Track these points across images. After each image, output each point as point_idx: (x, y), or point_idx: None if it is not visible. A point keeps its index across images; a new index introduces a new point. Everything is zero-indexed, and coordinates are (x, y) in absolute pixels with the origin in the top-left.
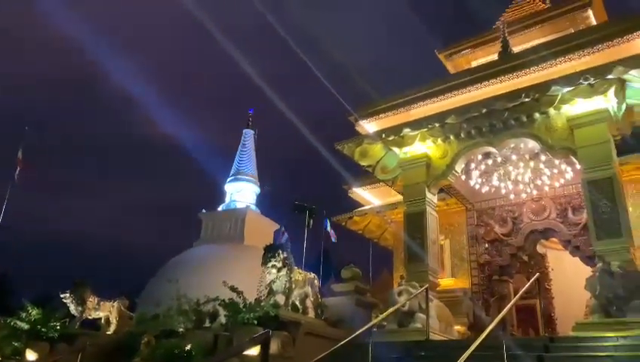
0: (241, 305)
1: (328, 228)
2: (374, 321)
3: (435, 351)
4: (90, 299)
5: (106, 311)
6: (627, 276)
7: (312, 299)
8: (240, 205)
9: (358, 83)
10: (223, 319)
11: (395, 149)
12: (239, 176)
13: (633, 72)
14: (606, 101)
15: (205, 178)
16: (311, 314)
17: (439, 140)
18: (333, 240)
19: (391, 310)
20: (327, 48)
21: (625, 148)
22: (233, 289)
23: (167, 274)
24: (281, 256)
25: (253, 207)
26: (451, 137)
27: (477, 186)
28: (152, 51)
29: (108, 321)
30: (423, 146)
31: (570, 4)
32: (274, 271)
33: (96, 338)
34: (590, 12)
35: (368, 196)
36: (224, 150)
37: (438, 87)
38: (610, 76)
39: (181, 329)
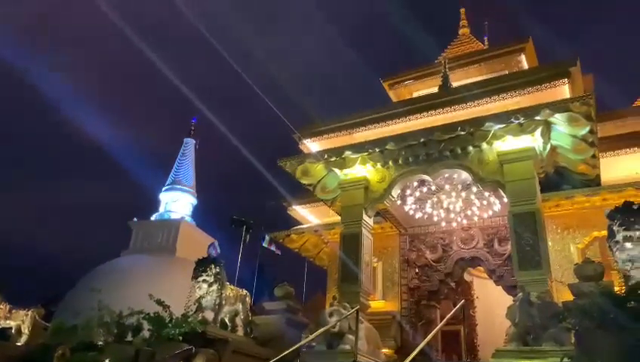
0: (167, 320)
1: (265, 245)
2: (303, 341)
3: None
4: (1, 307)
5: (18, 321)
6: (544, 306)
7: (242, 317)
8: (174, 215)
9: (305, 102)
10: (146, 333)
11: (336, 170)
12: (176, 186)
13: (558, 115)
14: (533, 140)
15: (140, 185)
16: (240, 331)
17: (378, 165)
18: (278, 252)
19: (321, 330)
20: (276, 67)
21: (547, 186)
22: (160, 302)
23: (89, 284)
24: (214, 271)
25: (189, 218)
26: (390, 163)
27: (411, 212)
28: (89, 51)
29: (19, 331)
30: (363, 169)
31: (505, 48)
32: (204, 286)
33: (4, 348)
34: (523, 57)
35: (307, 214)
36: (164, 158)
37: (381, 113)
38: (537, 118)
39: (100, 342)
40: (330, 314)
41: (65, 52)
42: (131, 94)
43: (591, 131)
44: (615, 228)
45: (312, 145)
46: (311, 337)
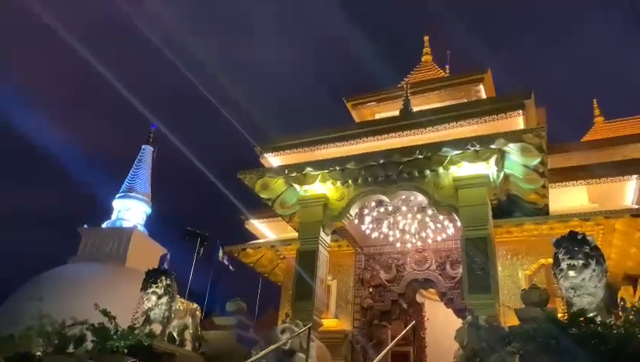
0: (112, 332)
1: (219, 258)
2: (252, 358)
3: None
4: None
5: None
6: (492, 330)
7: (191, 331)
8: (127, 224)
9: (268, 116)
10: (89, 345)
11: (296, 186)
12: (130, 194)
13: (512, 145)
14: (487, 168)
15: (93, 192)
16: (189, 346)
17: (338, 183)
18: (231, 267)
19: (271, 348)
20: (242, 80)
21: (499, 213)
22: (105, 313)
23: (31, 291)
24: (164, 283)
25: (141, 227)
26: (349, 182)
27: (368, 231)
28: (35, 55)
29: None
30: (323, 187)
31: (465, 77)
32: (154, 297)
33: None
34: (482, 86)
35: (264, 229)
36: (122, 165)
37: (343, 133)
38: (492, 146)
39: (39, 353)
40: (282, 331)
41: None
42: (85, 101)
43: (542, 162)
44: (560, 256)
45: (272, 160)
46: (261, 354)
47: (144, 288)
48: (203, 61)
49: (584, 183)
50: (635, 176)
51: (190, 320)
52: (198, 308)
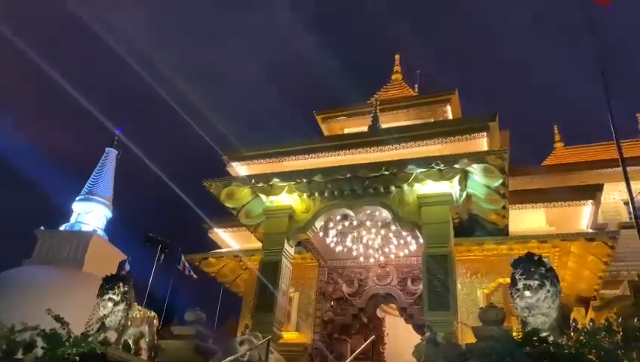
0: (65, 338)
1: (180, 266)
2: None
3: None
4: None
5: None
6: (449, 347)
7: (147, 340)
8: (86, 227)
9: (237, 127)
10: (39, 352)
11: (262, 196)
12: (91, 196)
13: (475, 165)
14: (451, 187)
15: (53, 195)
16: (144, 355)
17: (305, 195)
18: (193, 275)
19: (229, 359)
20: (213, 87)
21: (461, 231)
22: (58, 319)
23: None
24: (121, 290)
25: (101, 232)
26: (316, 194)
27: (332, 244)
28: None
29: None
30: (289, 198)
31: (433, 97)
32: (110, 304)
33: None
34: (449, 107)
35: (228, 239)
36: (84, 168)
37: (311, 145)
38: (456, 166)
39: None
40: (241, 343)
41: None
42: (47, 102)
43: (503, 184)
44: (517, 276)
45: (239, 169)
46: None
47: (100, 294)
48: (173, 69)
49: (543, 206)
50: (590, 202)
51: (147, 328)
52: (156, 316)
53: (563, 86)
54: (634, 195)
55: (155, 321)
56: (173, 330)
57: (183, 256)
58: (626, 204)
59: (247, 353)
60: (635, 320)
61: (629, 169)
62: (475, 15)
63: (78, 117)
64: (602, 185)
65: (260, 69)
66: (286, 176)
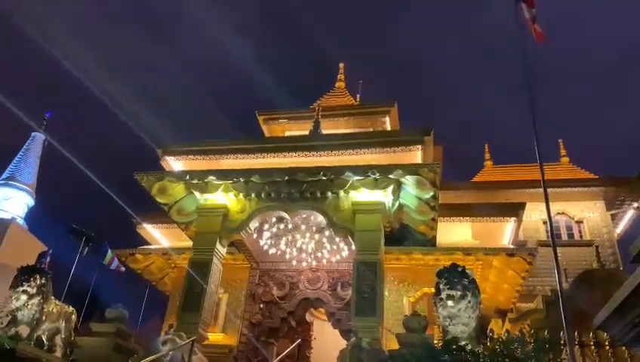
0: None
1: (105, 262)
2: None
3: None
4: None
5: None
6: (373, 353)
7: (63, 336)
8: (4, 215)
9: (178, 124)
10: None
11: (197, 194)
12: (11, 182)
13: (408, 177)
14: (385, 196)
15: None
16: (58, 352)
17: (241, 195)
18: (122, 268)
19: (149, 359)
20: (154, 86)
21: (391, 240)
22: None
23: None
24: (38, 282)
25: (21, 220)
26: (252, 195)
27: (266, 247)
28: None
29: None
30: (224, 197)
31: (373, 107)
32: (24, 297)
33: None
34: (387, 119)
35: (158, 235)
36: (6, 152)
37: (251, 145)
38: (391, 176)
39: None
40: (164, 343)
41: None
42: None
43: (434, 196)
44: (441, 286)
45: (174, 164)
46: None
47: (14, 286)
48: (113, 60)
49: (469, 220)
50: (513, 219)
51: (63, 324)
52: (75, 312)
53: (496, 110)
54: (552, 216)
55: (74, 317)
56: (92, 327)
57: (109, 251)
58: (545, 223)
59: (170, 353)
60: (546, 332)
61: (549, 190)
62: (420, 39)
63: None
64: (525, 203)
65: (204, 70)
66: (223, 174)
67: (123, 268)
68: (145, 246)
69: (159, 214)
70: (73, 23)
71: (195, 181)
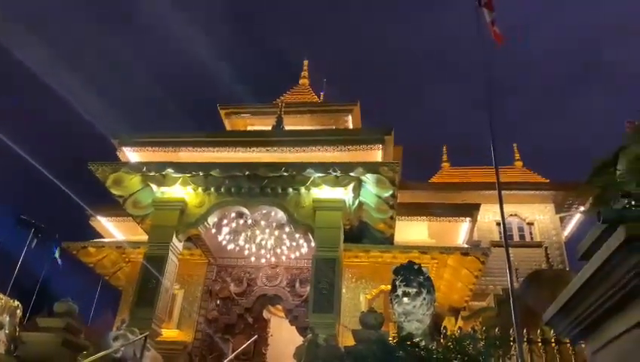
0: None
1: (56, 254)
2: None
3: None
4: None
5: None
6: (329, 349)
7: (7, 331)
8: None
9: (136, 115)
10: None
11: (153, 186)
12: None
13: (369, 175)
14: (345, 193)
15: None
16: (1, 348)
17: (199, 189)
18: (59, 261)
19: (99, 355)
20: (111, 76)
21: (350, 238)
22: None
23: None
24: None
25: None
26: (212, 189)
27: (224, 242)
28: None
29: None
30: (182, 191)
31: (336, 106)
32: None
33: None
34: (350, 118)
35: (112, 229)
36: None
37: (211, 138)
38: (352, 174)
39: None
40: (115, 338)
41: None
42: None
43: (393, 195)
44: (397, 283)
45: (131, 155)
46: (87, 360)
47: None
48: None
49: (426, 220)
50: (468, 219)
51: (7, 318)
52: (20, 306)
53: (455, 113)
54: (505, 217)
55: (19, 311)
56: (39, 322)
57: (60, 244)
58: (498, 224)
59: (121, 349)
60: (497, 329)
61: (503, 193)
62: (386, 41)
63: None
64: (479, 205)
65: (166, 65)
66: (181, 167)
67: (59, 261)
68: (98, 240)
69: (114, 207)
70: (25, 9)
71: (152, 173)
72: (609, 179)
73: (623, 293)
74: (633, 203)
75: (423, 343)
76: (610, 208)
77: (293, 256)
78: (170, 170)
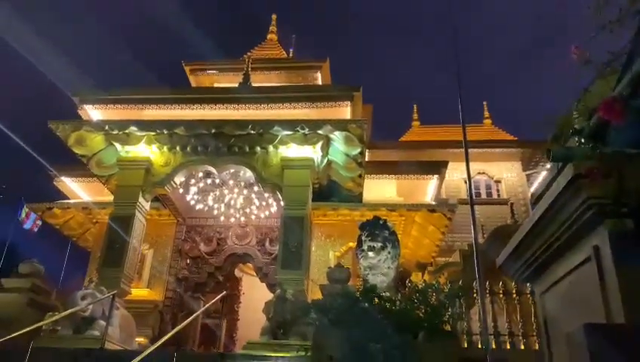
0: None
1: (22, 216)
2: (42, 323)
3: (106, 361)
4: None
5: None
6: (297, 303)
7: None
8: None
9: (97, 72)
10: None
11: (117, 145)
12: None
13: (337, 133)
14: (314, 152)
15: None
16: None
17: (165, 148)
18: (26, 226)
19: (66, 312)
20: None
21: (319, 196)
22: None
23: None
24: None
25: None
26: (177, 148)
27: (192, 202)
28: None
29: None
30: (147, 150)
31: (305, 62)
32: None
33: None
34: (319, 75)
35: (77, 190)
36: None
37: (176, 95)
38: (320, 131)
39: None
40: (83, 297)
41: None
42: None
43: (361, 153)
44: (363, 238)
45: (93, 113)
46: (53, 319)
47: None
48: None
49: (395, 178)
50: (435, 177)
51: None
52: None
53: (425, 73)
54: (473, 175)
55: None
56: (4, 283)
57: (25, 206)
58: (466, 182)
59: (90, 307)
60: (460, 282)
61: (470, 151)
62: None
63: None
64: (447, 162)
65: (128, 20)
66: (145, 125)
67: (39, 223)
68: (63, 201)
69: (78, 167)
70: None
71: (115, 132)
72: (567, 122)
73: (570, 234)
74: (582, 140)
75: (387, 295)
76: (560, 147)
77: (262, 216)
78: (133, 128)
